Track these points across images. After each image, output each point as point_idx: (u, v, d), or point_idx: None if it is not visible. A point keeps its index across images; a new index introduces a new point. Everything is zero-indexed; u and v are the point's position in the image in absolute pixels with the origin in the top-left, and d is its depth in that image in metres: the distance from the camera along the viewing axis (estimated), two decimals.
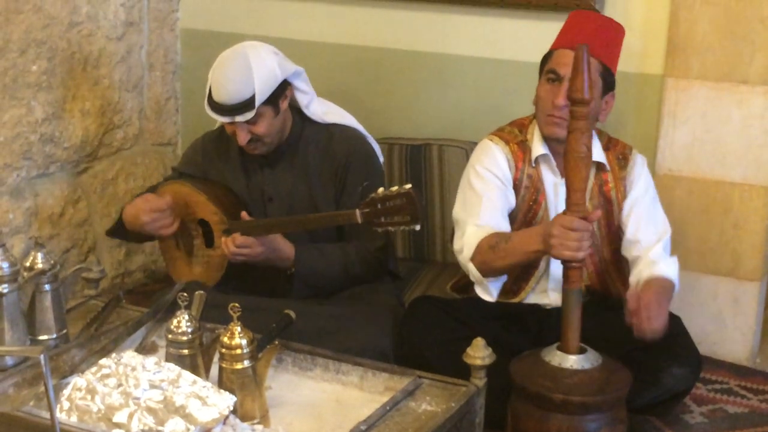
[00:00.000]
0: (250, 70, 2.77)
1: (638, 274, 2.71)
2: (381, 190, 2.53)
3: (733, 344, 3.32)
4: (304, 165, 2.99)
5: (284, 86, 2.87)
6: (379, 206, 2.51)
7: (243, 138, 2.84)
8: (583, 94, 2.31)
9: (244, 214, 2.84)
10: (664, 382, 2.67)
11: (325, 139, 3.00)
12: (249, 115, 2.78)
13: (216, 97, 2.80)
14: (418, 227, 2.50)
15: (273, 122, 2.87)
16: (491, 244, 2.64)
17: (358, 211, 2.55)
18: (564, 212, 2.43)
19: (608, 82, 2.73)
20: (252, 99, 2.77)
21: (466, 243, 2.70)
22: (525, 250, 2.59)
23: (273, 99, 2.83)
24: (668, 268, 2.71)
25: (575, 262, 2.40)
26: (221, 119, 2.83)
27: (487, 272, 2.69)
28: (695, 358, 2.76)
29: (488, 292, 2.75)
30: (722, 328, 3.33)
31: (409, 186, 2.49)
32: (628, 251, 2.78)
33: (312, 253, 2.90)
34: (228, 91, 2.77)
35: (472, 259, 2.68)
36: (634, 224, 2.77)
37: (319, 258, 2.90)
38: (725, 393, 3.10)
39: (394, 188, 2.51)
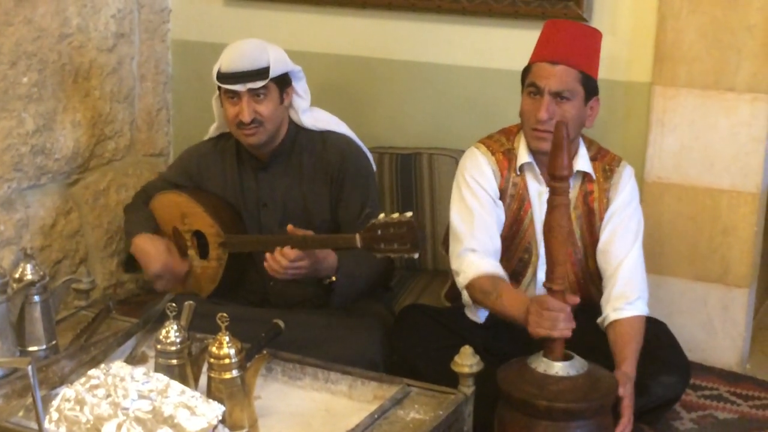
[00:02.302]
0: (265, 46, 2.89)
1: (608, 300, 2.72)
2: (382, 216, 2.53)
3: (722, 350, 3.33)
4: (298, 170, 3.01)
5: (289, 80, 2.93)
6: (379, 232, 2.51)
7: (248, 114, 2.84)
8: (563, 171, 2.35)
9: (290, 227, 2.74)
10: (653, 391, 2.66)
11: (319, 145, 3.02)
12: (261, 83, 2.82)
13: (228, 68, 2.84)
14: (416, 255, 2.51)
15: (277, 108, 2.90)
16: (484, 290, 2.68)
17: (358, 236, 2.55)
18: (544, 285, 2.44)
19: (590, 88, 2.74)
20: (267, 69, 2.84)
21: (462, 271, 2.74)
22: (509, 313, 2.61)
23: (281, 83, 2.89)
24: (638, 304, 2.70)
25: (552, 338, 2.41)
26: (234, 87, 2.83)
27: (476, 305, 2.78)
28: (684, 366, 2.76)
29: (477, 316, 2.84)
30: (712, 335, 3.33)
31: (410, 214, 2.50)
32: (598, 259, 2.81)
33: (350, 261, 2.83)
34: (243, 59, 2.83)
35: (466, 287, 2.74)
36: (608, 234, 2.79)
37: (355, 264, 2.85)
38: (715, 399, 3.10)
39: (395, 215, 2.51)
